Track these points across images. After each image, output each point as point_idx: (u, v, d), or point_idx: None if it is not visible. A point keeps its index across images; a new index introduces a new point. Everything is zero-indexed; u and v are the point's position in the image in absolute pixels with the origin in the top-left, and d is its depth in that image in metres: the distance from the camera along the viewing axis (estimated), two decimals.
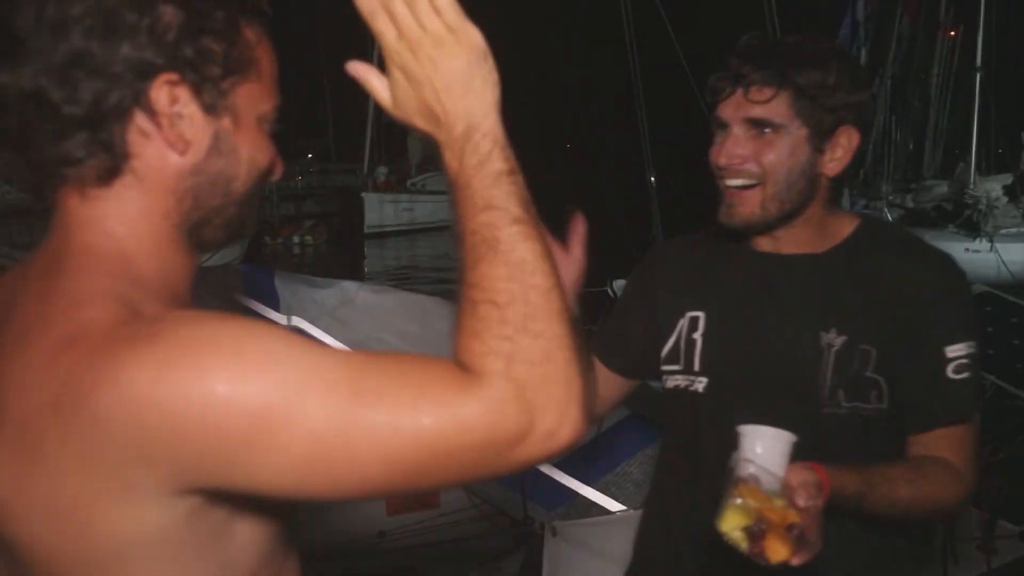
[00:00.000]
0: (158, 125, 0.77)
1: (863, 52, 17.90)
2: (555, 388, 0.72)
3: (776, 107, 1.29)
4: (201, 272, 0.93)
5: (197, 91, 0.78)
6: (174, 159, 0.78)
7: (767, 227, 1.36)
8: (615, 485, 2.70)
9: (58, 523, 0.73)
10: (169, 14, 0.75)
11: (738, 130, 1.32)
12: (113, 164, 0.77)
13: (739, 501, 1.06)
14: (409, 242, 19.45)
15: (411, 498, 2.15)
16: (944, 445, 1.33)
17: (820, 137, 1.30)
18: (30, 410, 0.71)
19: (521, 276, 0.74)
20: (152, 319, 0.71)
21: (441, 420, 0.69)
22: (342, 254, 18.75)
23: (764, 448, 1.11)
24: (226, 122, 0.80)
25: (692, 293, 1.46)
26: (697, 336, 1.44)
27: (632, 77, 5.75)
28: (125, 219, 0.79)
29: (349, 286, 2.14)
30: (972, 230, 12.76)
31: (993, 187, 14.42)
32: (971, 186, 14.52)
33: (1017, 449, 2.69)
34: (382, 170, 22.63)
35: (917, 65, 20.57)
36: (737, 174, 1.32)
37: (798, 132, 1.30)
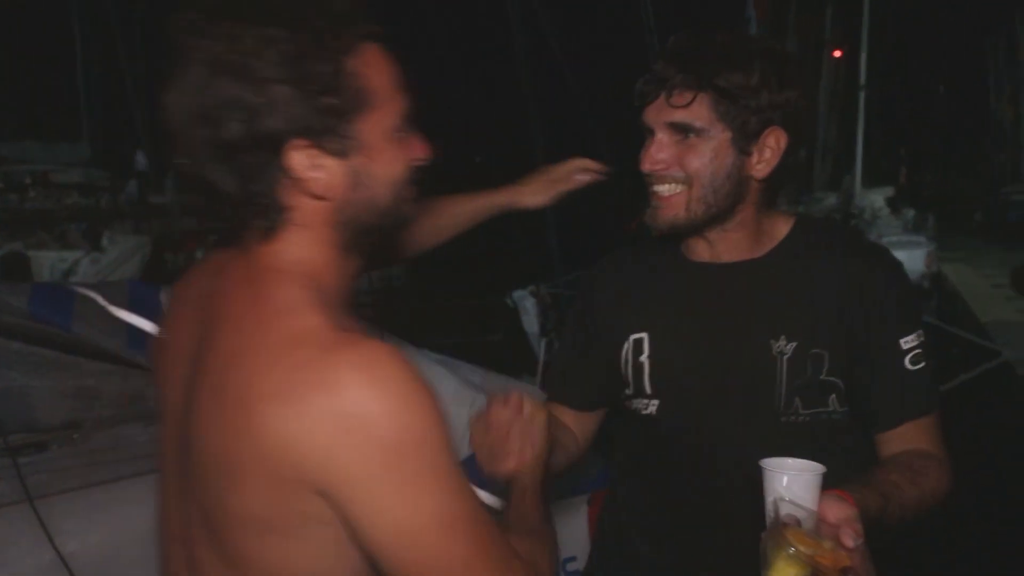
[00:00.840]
0: (300, 183, 0.90)
1: None
2: None
3: (696, 111, 1.26)
4: (82, 297, 1.06)
5: (324, 145, 0.90)
6: (321, 204, 0.92)
7: (694, 229, 1.33)
8: None
9: (255, 485, 0.87)
10: (284, 91, 0.86)
11: (662, 135, 1.29)
12: (273, 220, 0.92)
13: (792, 551, 0.97)
14: None
15: None
16: (918, 436, 1.31)
17: (746, 139, 1.27)
18: (252, 393, 0.85)
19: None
20: (362, 338, 0.86)
21: None
22: None
23: (797, 484, 1.03)
24: (357, 158, 0.92)
25: (632, 314, 1.42)
26: (644, 359, 1.39)
27: (526, 96, 5.89)
28: (299, 251, 0.93)
29: None
30: None
31: (876, 198, 15.15)
32: (856, 197, 15.26)
33: None
34: None
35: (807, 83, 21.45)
36: (663, 179, 1.30)
37: (721, 136, 1.26)
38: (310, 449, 0.83)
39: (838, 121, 20.40)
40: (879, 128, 17.70)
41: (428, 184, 1.03)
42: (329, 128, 0.89)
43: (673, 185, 1.30)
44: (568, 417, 1.51)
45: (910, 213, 15.23)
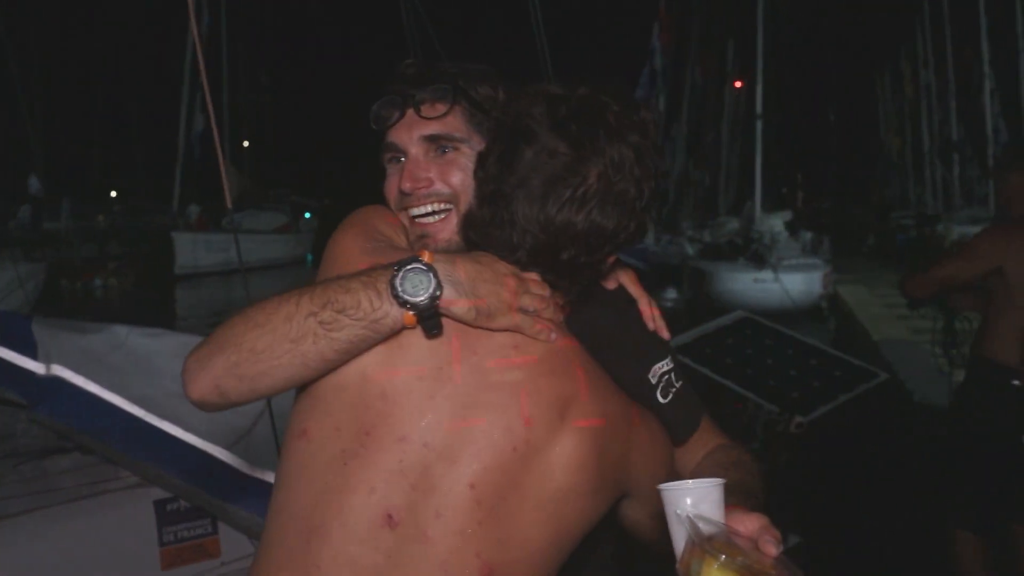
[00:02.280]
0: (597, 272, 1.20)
1: (661, 100, 19.21)
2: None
3: (453, 122, 1.20)
4: None
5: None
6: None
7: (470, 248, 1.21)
8: None
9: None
10: (631, 229, 1.12)
11: (416, 151, 1.21)
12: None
13: (723, 558, 0.95)
14: (226, 283, 18.67)
15: (188, 549, 2.09)
16: (701, 441, 1.31)
17: None
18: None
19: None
20: None
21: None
22: (151, 297, 17.71)
23: (704, 502, 1.02)
24: None
25: None
26: None
27: None
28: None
29: (119, 330, 2.07)
30: (759, 262, 13.84)
31: (776, 222, 15.72)
32: (756, 222, 15.82)
33: (773, 462, 3.02)
34: (194, 208, 21.59)
35: (709, 112, 22.29)
36: (426, 199, 1.20)
37: (480, 147, 1.18)
38: (645, 466, 1.15)
39: (740, 149, 21.18)
40: (777, 155, 18.43)
41: None
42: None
43: (437, 205, 1.20)
44: None
45: (807, 236, 15.88)
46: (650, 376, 1.27)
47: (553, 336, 1.08)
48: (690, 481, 1.05)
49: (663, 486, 1.04)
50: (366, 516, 1.01)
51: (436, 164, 1.20)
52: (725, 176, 21.74)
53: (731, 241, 15.70)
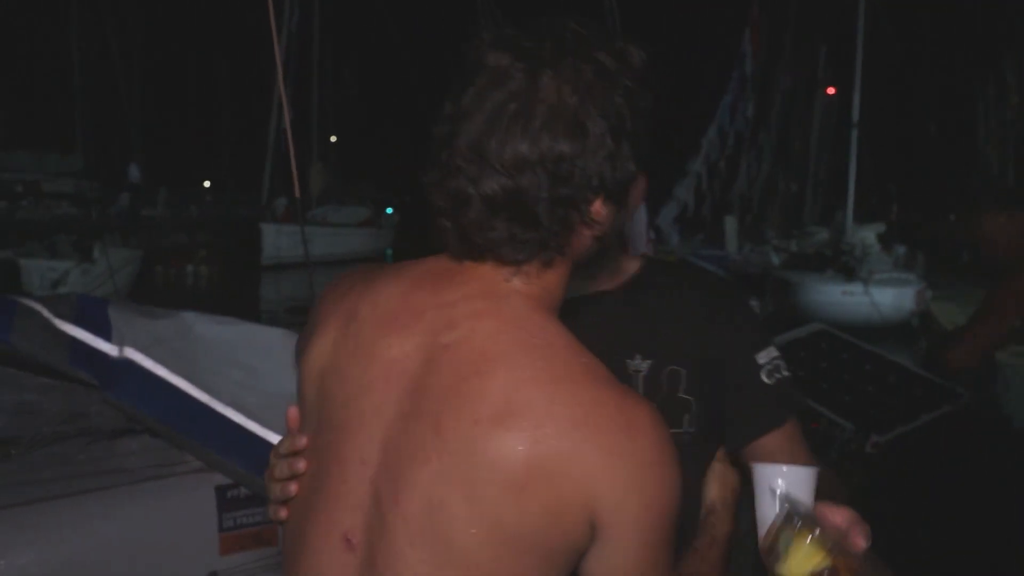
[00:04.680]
0: (591, 227, 1.00)
1: (749, 106, 18.80)
2: None
3: None
4: (24, 309, 1.01)
5: (615, 199, 1.00)
6: (591, 241, 1.03)
7: None
8: None
9: (542, 504, 0.92)
10: (607, 149, 0.96)
11: None
12: (554, 256, 1.00)
13: (818, 531, 0.94)
14: (303, 275, 19.13)
15: (247, 536, 2.12)
16: (786, 447, 1.34)
17: None
18: (561, 420, 0.91)
19: None
20: (644, 402, 0.95)
21: None
22: (237, 286, 18.30)
23: (795, 483, 1.03)
24: (621, 209, 1.03)
25: None
26: None
27: None
28: (552, 278, 1.02)
29: (188, 316, 2.11)
30: (848, 274, 13.43)
31: (868, 235, 15.23)
32: (847, 234, 15.34)
33: (846, 484, 2.89)
34: (281, 200, 22.23)
35: (798, 119, 21.71)
36: None
37: None
38: (601, 481, 0.90)
39: (829, 157, 20.57)
40: (870, 165, 17.83)
41: None
42: (623, 189, 1.01)
43: None
44: None
45: (900, 250, 15.31)
46: (758, 357, 1.35)
47: None
48: (785, 466, 1.06)
49: (757, 463, 1.07)
50: (329, 540, 0.99)
51: None
52: (813, 185, 21.15)
53: (820, 252, 15.27)
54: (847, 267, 13.67)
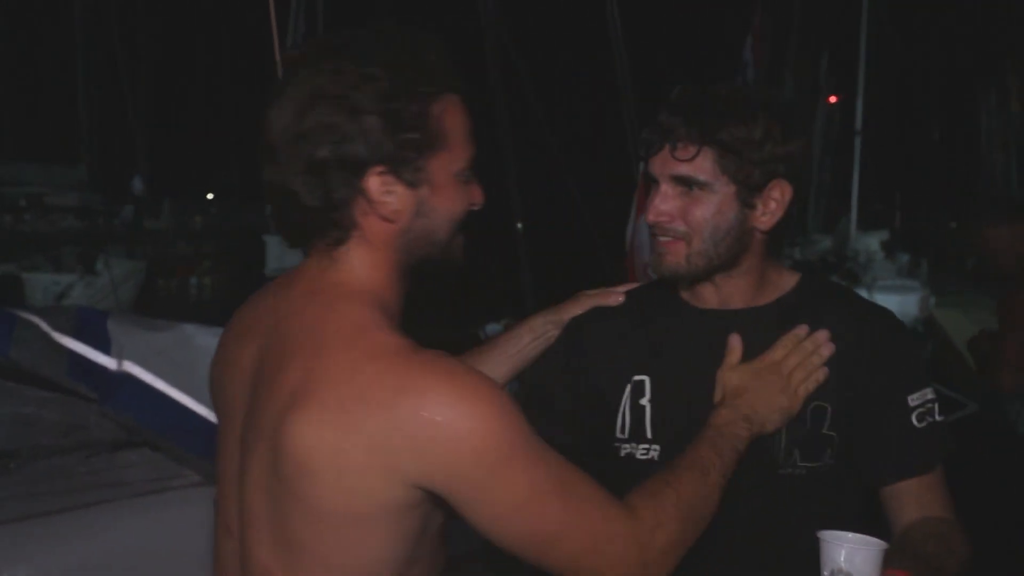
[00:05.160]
0: (373, 205, 1.03)
1: None
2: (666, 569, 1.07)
3: (701, 164, 1.27)
4: (23, 321, 1.11)
5: (400, 174, 1.03)
6: (388, 225, 1.05)
7: (695, 279, 1.35)
8: None
9: (339, 479, 0.96)
10: (374, 122, 1.00)
11: (666, 187, 1.30)
12: (344, 234, 1.04)
13: None
14: None
15: None
16: (922, 493, 1.32)
17: (750, 192, 1.28)
18: (340, 397, 0.96)
19: (704, 505, 1.13)
20: (436, 354, 0.99)
21: (598, 544, 1.00)
22: (241, 298, 18.26)
23: (862, 560, 1.04)
24: (425, 190, 1.05)
25: (632, 357, 1.40)
26: (645, 402, 1.38)
27: (499, 126, 5.96)
28: (364, 269, 1.05)
29: (188, 328, 2.11)
30: (853, 281, 13.39)
31: (871, 242, 15.22)
32: (851, 241, 15.32)
33: None
34: None
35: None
36: (665, 231, 1.31)
37: (725, 189, 1.27)
38: (402, 447, 0.95)
39: (832, 164, 20.55)
40: (874, 172, 17.82)
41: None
42: (407, 159, 1.03)
43: (674, 237, 1.31)
44: None
45: (904, 258, 15.27)
46: (911, 398, 1.32)
47: None
48: (849, 533, 1.07)
49: (822, 533, 1.08)
50: (221, 529, 1.13)
51: (681, 200, 1.30)
52: (816, 193, 21.14)
53: (823, 259, 15.25)
54: (851, 274, 13.65)
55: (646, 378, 1.38)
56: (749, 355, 1.33)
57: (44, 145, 21.48)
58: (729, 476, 1.19)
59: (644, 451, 1.38)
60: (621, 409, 1.39)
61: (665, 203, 1.30)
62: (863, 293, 12.04)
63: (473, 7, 6.05)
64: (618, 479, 1.40)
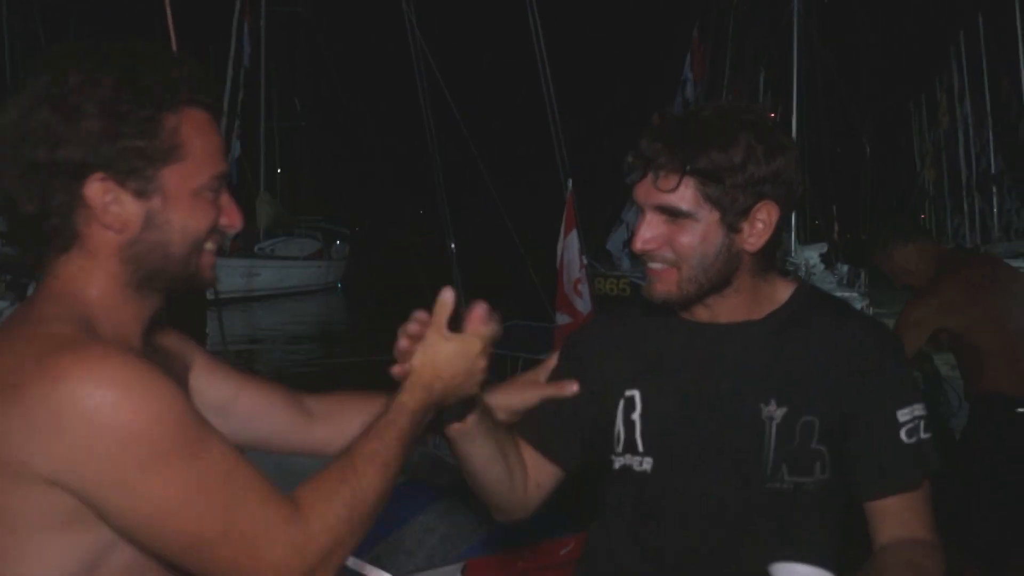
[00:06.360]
0: (95, 213, 0.99)
1: None
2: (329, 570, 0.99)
3: (683, 194, 1.26)
4: None
5: (124, 183, 0.99)
6: (113, 235, 1.01)
7: (688, 303, 1.35)
8: (386, 554, 2.64)
9: None
10: (93, 126, 0.96)
11: (651, 215, 1.30)
12: (65, 243, 1.01)
13: None
14: (249, 309, 18.77)
15: None
16: (906, 510, 1.32)
17: (735, 217, 1.27)
18: None
19: (380, 500, 1.04)
20: (106, 346, 0.94)
21: (248, 546, 0.94)
22: (182, 322, 17.78)
23: None
24: (156, 201, 1.01)
25: (625, 372, 1.41)
26: (635, 417, 1.39)
27: (429, 145, 6.00)
28: (80, 276, 1.01)
29: None
30: None
31: (811, 255, 15.54)
32: (792, 254, 15.61)
33: None
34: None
35: None
36: (653, 258, 1.31)
37: (709, 216, 1.26)
38: (30, 439, 0.89)
39: None
40: (812, 187, 18.24)
41: None
42: (134, 168, 0.98)
43: (662, 265, 1.31)
44: (532, 460, 1.45)
45: (843, 269, 15.64)
46: (899, 413, 1.31)
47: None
48: (799, 567, 1.06)
49: (773, 566, 1.07)
50: None
51: (667, 228, 1.29)
52: None
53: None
54: None
55: (636, 392, 1.39)
56: (742, 369, 1.33)
57: None
58: (409, 452, 1.10)
59: (639, 463, 1.39)
60: (616, 423, 1.41)
61: (650, 231, 1.30)
62: None
63: (403, 31, 6.10)
64: (617, 490, 1.44)
